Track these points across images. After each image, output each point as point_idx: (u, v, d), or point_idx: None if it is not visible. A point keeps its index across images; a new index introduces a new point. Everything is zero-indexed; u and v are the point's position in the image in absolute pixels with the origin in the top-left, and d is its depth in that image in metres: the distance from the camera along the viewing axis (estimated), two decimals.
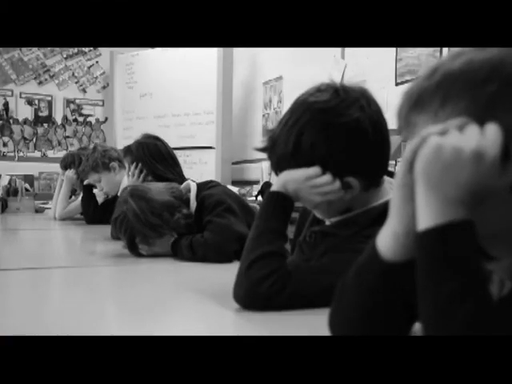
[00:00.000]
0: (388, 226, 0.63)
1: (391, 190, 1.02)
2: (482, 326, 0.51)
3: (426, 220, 0.55)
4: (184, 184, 1.80)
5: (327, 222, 1.11)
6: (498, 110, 0.55)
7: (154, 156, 2.22)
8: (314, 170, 1.00)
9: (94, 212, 2.96)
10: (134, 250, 1.67)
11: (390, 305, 0.64)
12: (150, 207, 1.60)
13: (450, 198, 0.54)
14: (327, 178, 1.00)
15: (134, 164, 2.24)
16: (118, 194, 2.82)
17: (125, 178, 2.90)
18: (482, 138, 0.54)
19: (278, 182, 1.05)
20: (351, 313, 0.68)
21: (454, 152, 0.54)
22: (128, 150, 2.31)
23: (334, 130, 0.98)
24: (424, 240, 0.56)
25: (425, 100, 0.59)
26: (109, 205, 2.76)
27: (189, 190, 1.76)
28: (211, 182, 1.87)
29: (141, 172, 2.22)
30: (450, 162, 0.54)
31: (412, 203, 0.58)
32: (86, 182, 2.92)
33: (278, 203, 1.04)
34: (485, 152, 0.53)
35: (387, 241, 0.63)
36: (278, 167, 1.06)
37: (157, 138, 2.30)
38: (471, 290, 0.52)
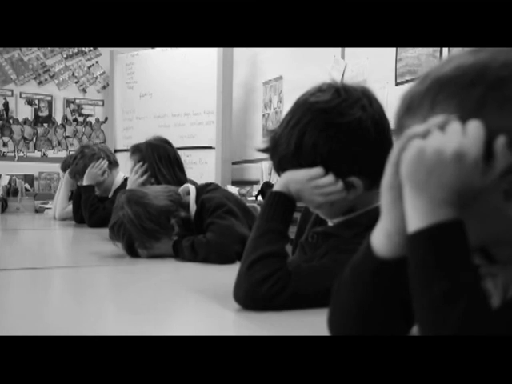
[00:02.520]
0: (381, 225, 0.64)
1: None
2: (478, 326, 0.51)
3: (414, 222, 0.56)
4: (182, 187, 1.80)
5: (329, 223, 1.11)
6: (485, 113, 0.55)
7: (162, 159, 2.30)
8: (317, 170, 0.99)
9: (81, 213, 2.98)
10: (133, 254, 1.67)
11: (385, 301, 0.65)
12: (147, 212, 1.60)
13: (436, 200, 0.55)
14: (330, 178, 1.00)
15: (141, 163, 2.30)
16: (109, 196, 2.88)
17: (117, 179, 2.94)
18: (464, 137, 0.55)
19: (280, 183, 1.05)
20: (347, 310, 0.68)
21: (435, 154, 0.55)
22: (137, 148, 2.37)
23: (335, 130, 0.98)
24: (414, 242, 0.56)
25: (416, 104, 0.61)
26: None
27: (187, 193, 1.76)
28: (210, 184, 1.86)
29: (145, 172, 2.28)
30: (433, 164, 0.55)
31: (401, 204, 0.58)
32: (79, 183, 2.96)
33: (280, 204, 1.04)
34: (466, 151, 0.54)
35: (381, 239, 0.64)
36: (279, 168, 1.06)
37: (167, 142, 2.39)
38: (464, 290, 0.53)
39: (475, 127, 0.55)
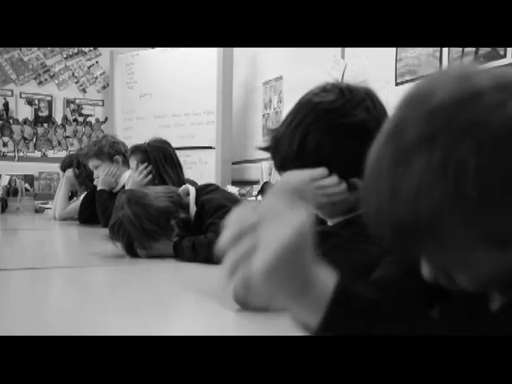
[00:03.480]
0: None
1: None
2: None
3: (309, 322, 0.55)
4: (182, 188, 1.80)
5: (329, 223, 1.11)
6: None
7: (167, 160, 2.33)
8: (321, 170, 0.99)
9: (91, 214, 2.95)
10: (133, 254, 1.67)
11: None
12: (147, 213, 1.61)
13: (304, 283, 0.53)
14: (334, 179, 0.99)
15: (145, 164, 2.31)
16: (114, 191, 2.87)
17: (123, 176, 2.93)
18: (282, 216, 0.51)
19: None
20: None
21: (276, 259, 0.50)
22: (138, 148, 2.38)
23: (339, 131, 0.98)
24: (326, 334, 0.55)
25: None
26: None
27: (187, 194, 1.76)
28: (210, 185, 1.86)
29: (149, 173, 2.29)
30: (277, 267, 0.50)
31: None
32: (95, 183, 2.92)
33: None
34: (299, 226, 0.50)
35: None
36: (281, 167, 1.05)
37: (167, 143, 2.42)
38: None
39: (301, 215, 0.51)
